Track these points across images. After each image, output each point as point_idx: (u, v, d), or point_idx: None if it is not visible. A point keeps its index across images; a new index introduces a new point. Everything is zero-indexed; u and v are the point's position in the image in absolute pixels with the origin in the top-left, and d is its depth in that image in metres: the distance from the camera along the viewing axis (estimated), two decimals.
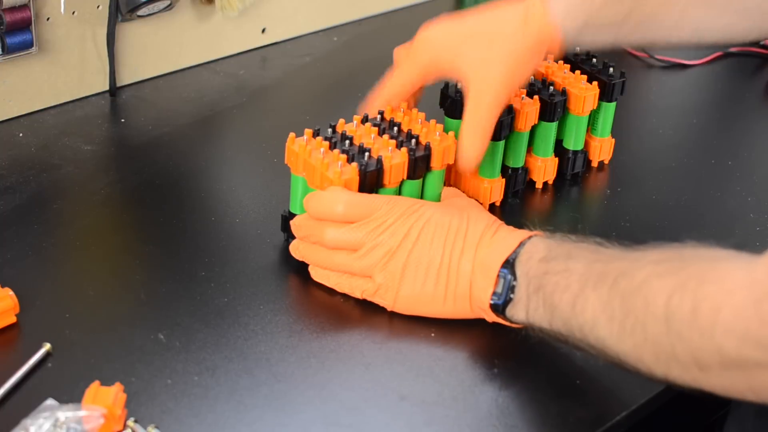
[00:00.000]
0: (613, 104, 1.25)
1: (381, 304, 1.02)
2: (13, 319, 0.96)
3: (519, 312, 0.95)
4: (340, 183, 1.02)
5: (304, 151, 1.05)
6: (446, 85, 1.18)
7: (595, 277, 0.89)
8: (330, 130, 1.08)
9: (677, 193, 1.26)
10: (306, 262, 1.06)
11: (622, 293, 0.85)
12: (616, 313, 0.85)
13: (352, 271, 1.02)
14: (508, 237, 0.98)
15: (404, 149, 1.06)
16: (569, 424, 0.92)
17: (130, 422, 0.87)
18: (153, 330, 0.98)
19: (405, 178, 1.07)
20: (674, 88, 1.54)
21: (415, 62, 1.13)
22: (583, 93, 1.21)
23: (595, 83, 1.21)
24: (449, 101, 1.17)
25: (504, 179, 1.20)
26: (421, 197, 1.09)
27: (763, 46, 1.64)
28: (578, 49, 1.21)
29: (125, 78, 1.39)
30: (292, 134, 1.07)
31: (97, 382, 0.88)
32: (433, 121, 1.11)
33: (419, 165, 1.07)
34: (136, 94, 1.39)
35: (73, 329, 0.98)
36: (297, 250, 1.07)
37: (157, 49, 1.41)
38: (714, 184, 1.29)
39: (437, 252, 0.99)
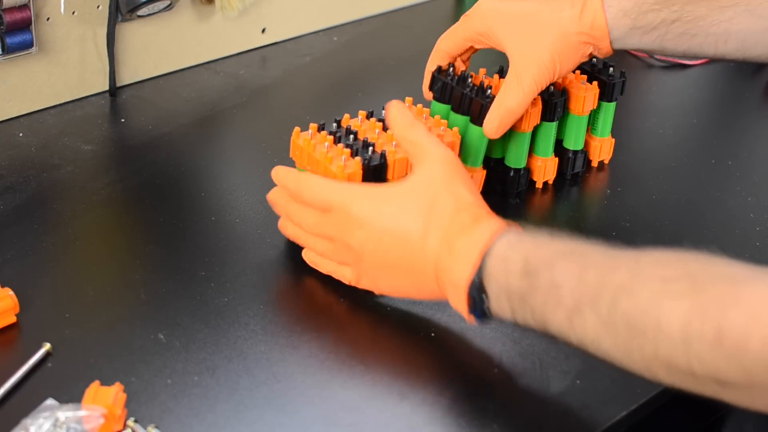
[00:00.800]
0: (613, 104, 1.25)
1: (366, 288, 1.02)
2: (13, 319, 0.96)
3: (504, 315, 0.92)
4: (343, 177, 1.03)
5: (309, 145, 1.06)
6: (439, 69, 1.18)
7: (590, 293, 0.85)
8: (335, 124, 1.09)
9: (677, 193, 1.26)
10: (298, 243, 1.07)
11: (626, 314, 0.82)
12: (621, 333, 0.83)
13: (332, 259, 1.03)
14: (470, 250, 0.92)
15: None
16: (569, 424, 0.92)
17: (130, 422, 0.87)
18: (153, 330, 0.98)
19: (408, 172, 1.07)
20: (674, 88, 1.54)
21: (468, 27, 1.18)
22: (583, 93, 1.21)
23: (595, 83, 1.21)
24: (440, 84, 1.17)
25: (485, 170, 1.20)
26: None
27: None
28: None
29: (125, 78, 1.39)
30: (297, 128, 1.08)
31: (97, 382, 0.88)
32: (437, 117, 1.13)
33: None
34: (136, 94, 1.39)
35: (73, 329, 0.98)
36: (286, 229, 1.07)
37: (157, 49, 1.41)
38: (714, 184, 1.29)
39: (399, 254, 0.97)
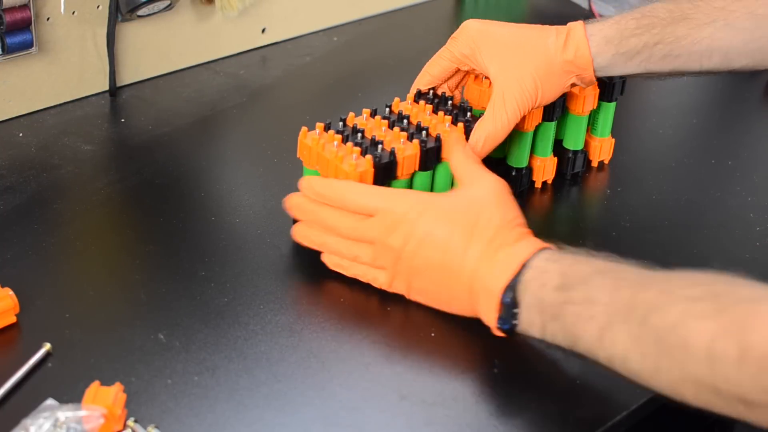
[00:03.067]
0: (612, 104, 1.25)
1: (397, 292, 1.03)
2: (13, 319, 0.96)
3: (531, 333, 0.93)
4: (355, 175, 1.03)
5: (318, 144, 1.06)
6: (419, 92, 1.18)
7: (623, 309, 0.86)
8: (341, 123, 1.09)
9: (677, 193, 1.26)
10: (318, 249, 1.06)
11: (656, 331, 0.83)
12: (650, 350, 0.83)
13: (366, 264, 1.03)
14: (510, 258, 0.95)
15: (416, 141, 1.07)
16: (569, 424, 0.92)
17: (130, 422, 0.87)
18: (153, 330, 0.98)
19: (417, 169, 1.08)
20: (674, 88, 1.54)
21: (454, 49, 1.17)
22: (582, 93, 1.21)
23: (594, 83, 1.21)
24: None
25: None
26: (432, 188, 1.11)
27: None
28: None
29: (125, 78, 1.39)
30: (304, 128, 1.08)
31: (97, 382, 0.88)
32: (441, 113, 1.13)
33: (430, 156, 1.08)
34: (136, 94, 1.39)
35: (73, 329, 0.98)
36: (307, 238, 1.07)
37: (157, 49, 1.41)
38: (714, 184, 1.29)
39: (439, 260, 0.98)
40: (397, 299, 1.04)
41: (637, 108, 1.46)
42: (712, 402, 0.82)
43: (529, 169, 1.22)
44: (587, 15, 1.72)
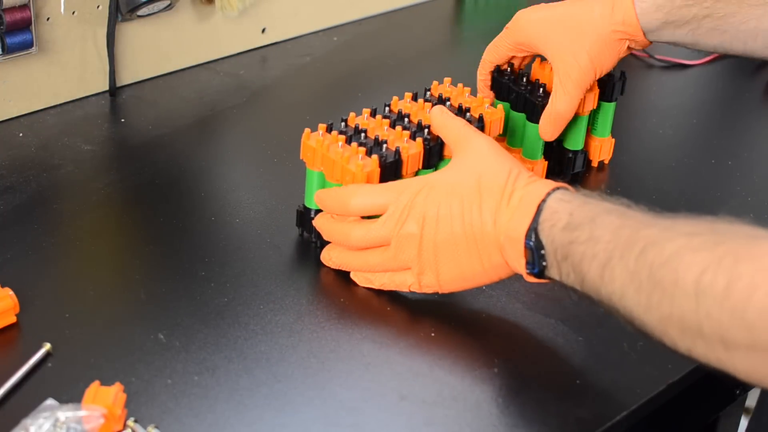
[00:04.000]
0: (612, 104, 1.25)
1: (429, 291, 1.02)
2: (13, 319, 0.96)
3: (554, 275, 0.94)
4: (362, 175, 1.03)
5: (322, 145, 1.06)
6: (498, 69, 1.25)
7: (621, 245, 0.87)
8: (343, 123, 1.10)
9: (677, 193, 1.26)
10: (343, 269, 1.07)
11: (651, 264, 0.84)
12: (644, 284, 0.84)
13: (390, 268, 1.03)
14: (525, 202, 0.95)
15: (419, 139, 1.07)
16: (569, 424, 0.92)
17: (130, 422, 0.87)
18: (153, 330, 0.98)
19: (420, 167, 1.08)
20: (674, 88, 1.54)
21: (509, 39, 1.22)
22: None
23: (594, 83, 1.21)
24: (498, 84, 1.24)
25: (546, 161, 1.24)
26: None
27: None
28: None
29: (125, 78, 1.39)
30: (307, 130, 1.08)
31: (97, 382, 0.88)
32: (480, 97, 1.16)
33: (434, 154, 1.09)
34: (136, 94, 1.39)
35: (73, 329, 0.98)
36: (330, 260, 1.07)
37: (157, 49, 1.41)
38: (714, 184, 1.29)
39: (459, 227, 0.98)
40: (397, 299, 1.04)
41: (637, 108, 1.46)
42: (696, 343, 0.82)
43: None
44: None
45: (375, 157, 1.05)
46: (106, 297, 1.03)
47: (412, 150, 1.07)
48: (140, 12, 1.33)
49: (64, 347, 0.95)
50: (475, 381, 0.96)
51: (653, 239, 0.85)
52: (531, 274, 0.95)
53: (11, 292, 0.96)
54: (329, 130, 1.08)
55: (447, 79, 1.18)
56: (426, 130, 1.09)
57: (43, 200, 1.16)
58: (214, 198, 1.21)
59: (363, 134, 1.08)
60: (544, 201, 0.94)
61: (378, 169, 1.04)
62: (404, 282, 1.02)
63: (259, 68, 1.49)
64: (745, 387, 1.19)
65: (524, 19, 1.20)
